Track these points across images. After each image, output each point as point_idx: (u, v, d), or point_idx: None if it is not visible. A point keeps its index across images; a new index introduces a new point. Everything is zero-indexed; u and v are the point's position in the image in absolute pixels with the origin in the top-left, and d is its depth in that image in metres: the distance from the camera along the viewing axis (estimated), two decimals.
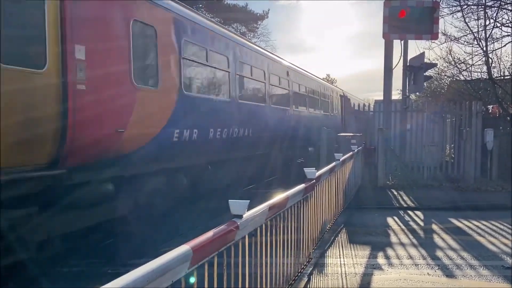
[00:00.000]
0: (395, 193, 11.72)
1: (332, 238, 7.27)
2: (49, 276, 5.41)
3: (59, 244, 5.70)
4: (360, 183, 11.92)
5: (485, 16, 15.78)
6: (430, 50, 18.16)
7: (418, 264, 6.04)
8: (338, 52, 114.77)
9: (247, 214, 3.25)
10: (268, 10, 51.46)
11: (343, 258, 6.30)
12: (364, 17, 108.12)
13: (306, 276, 5.36)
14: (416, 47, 30.92)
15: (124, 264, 5.50)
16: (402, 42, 13.36)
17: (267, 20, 49.94)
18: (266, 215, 3.80)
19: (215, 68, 8.97)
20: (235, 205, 3.15)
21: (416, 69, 12.96)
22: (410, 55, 13.78)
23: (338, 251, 6.63)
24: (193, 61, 8.13)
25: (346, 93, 26.17)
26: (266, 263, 3.89)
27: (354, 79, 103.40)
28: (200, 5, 30.96)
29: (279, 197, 4.26)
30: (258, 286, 3.71)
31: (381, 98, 14.32)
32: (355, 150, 10.59)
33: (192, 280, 2.34)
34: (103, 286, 1.75)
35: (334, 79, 64.08)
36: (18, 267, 5.14)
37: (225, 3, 33.82)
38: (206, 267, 2.66)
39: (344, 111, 23.94)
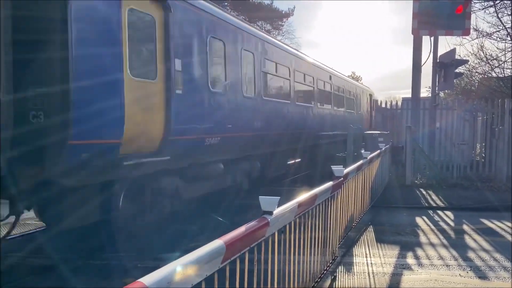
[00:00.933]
0: (424, 192, 11.49)
1: (358, 236, 7.19)
2: (80, 269, 5.55)
3: (89, 239, 5.85)
4: (388, 182, 11.73)
5: None
6: (461, 46, 17.68)
7: (449, 265, 5.91)
8: (364, 49, 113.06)
9: (277, 211, 3.24)
10: (294, 7, 51.10)
11: (371, 257, 6.21)
12: (391, 13, 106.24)
13: (332, 275, 5.32)
14: (446, 43, 30.17)
15: (154, 258, 5.58)
16: (432, 38, 13.03)
17: (292, 18, 49.57)
18: (296, 212, 3.78)
19: None
20: (266, 201, 3.14)
21: (446, 65, 12.64)
22: (440, 52, 13.46)
23: (365, 250, 6.54)
24: None
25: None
26: (294, 260, 3.86)
27: (381, 76, 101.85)
28: (226, 3, 31.02)
29: (307, 194, 4.23)
30: (286, 284, 3.70)
31: (409, 96, 14.04)
32: (383, 148, 10.42)
33: None
34: (139, 280, 1.77)
35: (359, 76, 63.19)
36: (51, 261, 5.29)
37: (251, 1, 33.77)
38: (238, 263, 2.66)
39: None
